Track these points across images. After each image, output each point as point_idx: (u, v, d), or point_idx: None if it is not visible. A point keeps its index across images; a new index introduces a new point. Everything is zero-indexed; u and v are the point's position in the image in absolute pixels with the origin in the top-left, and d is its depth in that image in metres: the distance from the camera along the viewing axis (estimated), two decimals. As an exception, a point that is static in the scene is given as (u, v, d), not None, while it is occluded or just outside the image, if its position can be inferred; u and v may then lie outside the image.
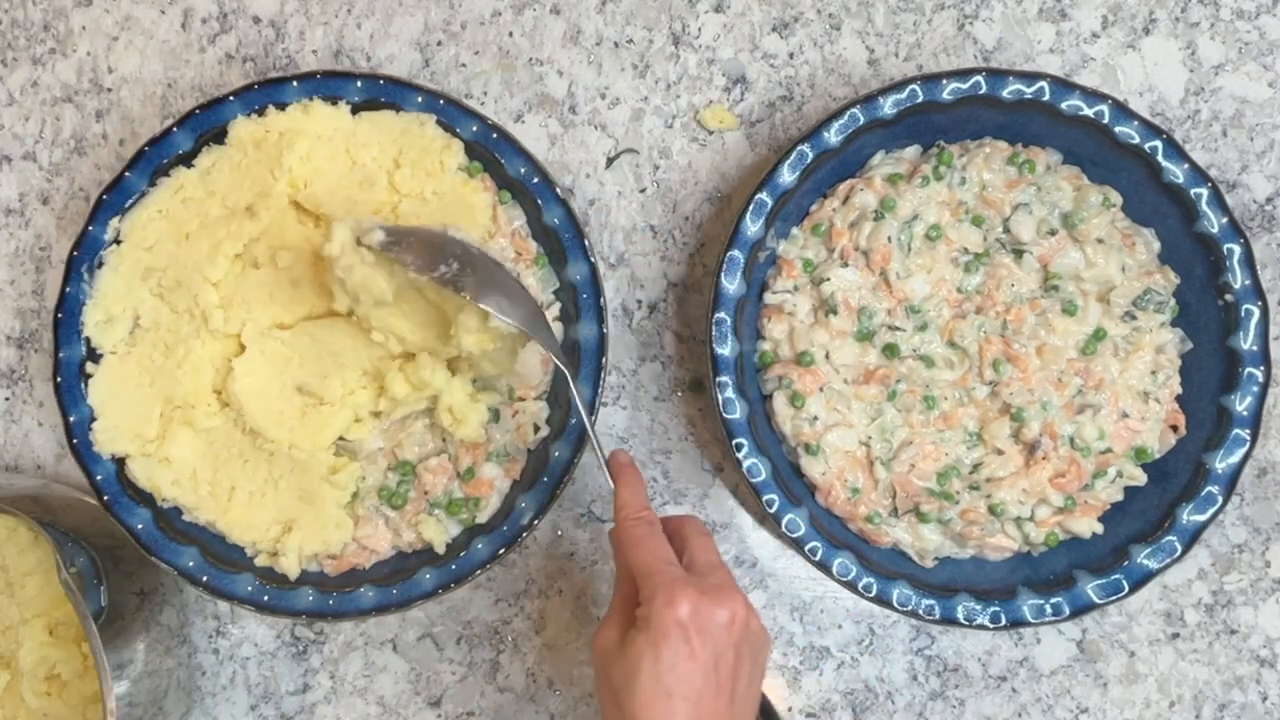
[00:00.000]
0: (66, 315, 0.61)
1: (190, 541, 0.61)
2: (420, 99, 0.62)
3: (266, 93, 0.62)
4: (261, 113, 0.62)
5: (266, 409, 0.60)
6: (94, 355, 0.61)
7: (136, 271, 0.61)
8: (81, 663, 0.60)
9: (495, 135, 0.62)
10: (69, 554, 0.59)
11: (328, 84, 0.62)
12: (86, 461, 0.60)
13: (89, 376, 0.61)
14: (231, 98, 0.62)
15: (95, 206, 0.61)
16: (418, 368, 0.59)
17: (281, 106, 0.62)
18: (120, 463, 0.61)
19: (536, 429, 0.63)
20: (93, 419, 0.61)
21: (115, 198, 0.61)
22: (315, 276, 0.61)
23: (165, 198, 0.62)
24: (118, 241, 0.62)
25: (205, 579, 0.60)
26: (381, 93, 0.62)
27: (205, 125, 0.62)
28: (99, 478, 0.60)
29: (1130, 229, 0.61)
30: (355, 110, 0.63)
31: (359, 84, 0.62)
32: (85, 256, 0.61)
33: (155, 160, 0.62)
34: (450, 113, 0.62)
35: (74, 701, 0.60)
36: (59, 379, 0.60)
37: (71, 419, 0.60)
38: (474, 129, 0.62)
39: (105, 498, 0.60)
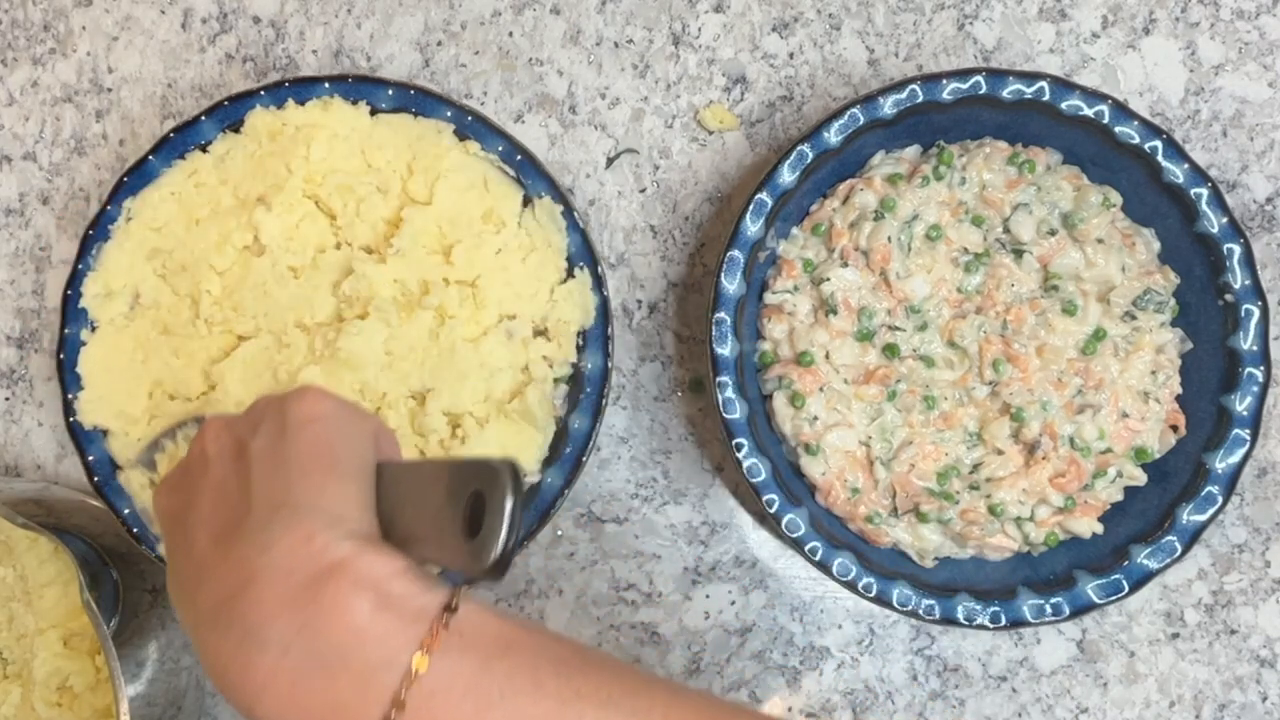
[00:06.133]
0: (74, 294, 0.61)
1: None
2: (449, 113, 0.62)
3: (296, 91, 0.62)
4: (280, 105, 0.62)
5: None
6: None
7: (142, 250, 0.62)
8: (94, 675, 0.60)
9: (520, 157, 0.62)
10: (95, 571, 0.60)
11: (359, 89, 0.62)
12: (81, 441, 0.60)
13: (84, 344, 0.61)
14: (262, 92, 0.62)
15: (115, 188, 0.61)
16: (425, 414, 0.59)
17: (302, 102, 0.62)
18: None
19: (524, 474, 0.62)
20: (80, 388, 0.61)
21: (136, 180, 0.62)
22: (322, 276, 0.61)
23: (178, 180, 0.62)
24: (128, 220, 0.62)
25: None
26: (412, 103, 0.62)
27: (233, 117, 0.62)
28: (91, 458, 0.61)
29: (1130, 229, 0.61)
30: (374, 112, 0.63)
31: (390, 91, 0.62)
32: (99, 236, 0.62)
33: (180, 147, 0.62)
34: (479, 130, 0.62)
35: (84, 714, 0.60)
36: (62, 355, 0.61)
37: (70, 396, 0.60)
38: (500, 148, 0.62)
39: (96, 479, 0.60)
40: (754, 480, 0.60)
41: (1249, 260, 0.59)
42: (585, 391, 0.62)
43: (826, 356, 0.61)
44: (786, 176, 0.60)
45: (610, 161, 0.68)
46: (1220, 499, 0.59)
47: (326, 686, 0.34)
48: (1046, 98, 0.59)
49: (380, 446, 0.42)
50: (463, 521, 0.37)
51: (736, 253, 0.60)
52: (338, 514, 0.37)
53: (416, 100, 0.63)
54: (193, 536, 0.39)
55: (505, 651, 0.36)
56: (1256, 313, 0.59)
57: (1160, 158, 0.59)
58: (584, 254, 0.62)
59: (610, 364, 0.62)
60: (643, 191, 0.68)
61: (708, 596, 0.66)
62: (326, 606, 0.35)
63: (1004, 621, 0.59)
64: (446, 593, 0.37)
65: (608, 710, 0.35)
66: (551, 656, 0.36)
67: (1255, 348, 0.59)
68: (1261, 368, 0.59)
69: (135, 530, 0.60)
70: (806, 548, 0.60)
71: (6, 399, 0.69)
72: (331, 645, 0.34)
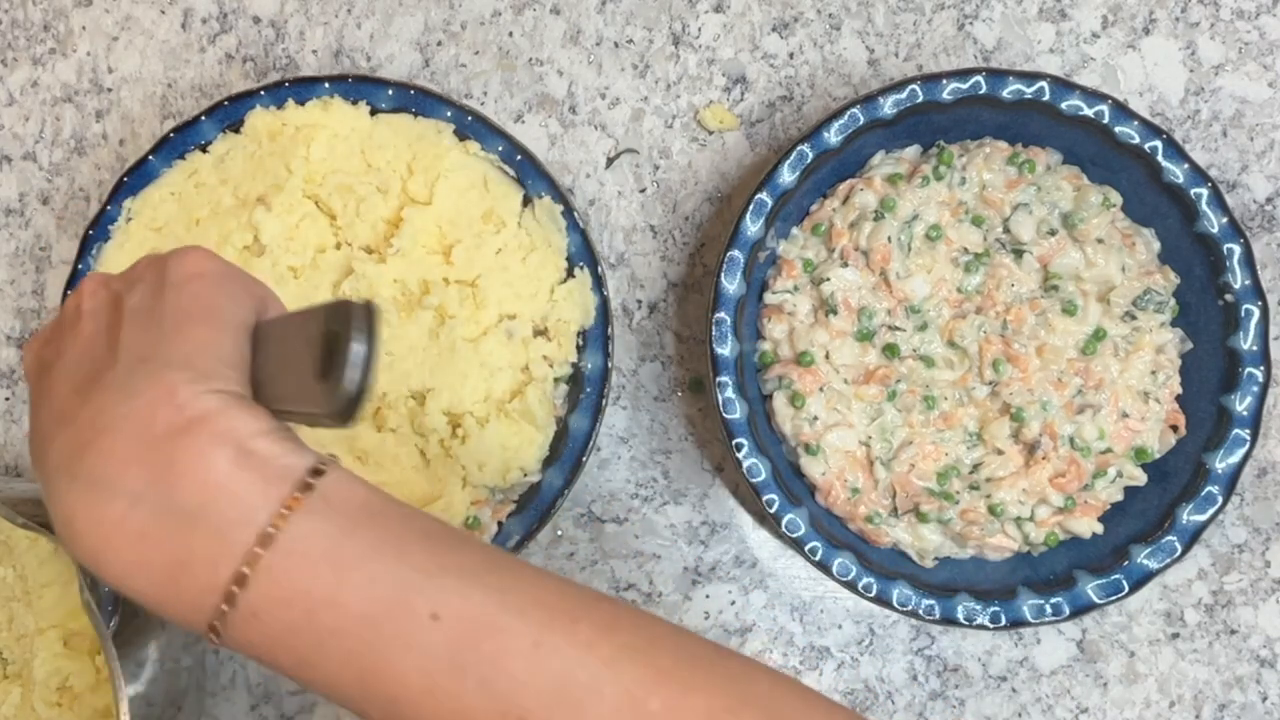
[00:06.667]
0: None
1: None
2: (449, 113, 0.62)
3: (296, 91, 0.62)
4: (280, 105, 0.62)
5: None
6: None
7: (142, 250, 0.62)
8: (94, 675, 0.60)
9: (520, 157, 0.62)
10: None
11: (359, 89, 0.62)
12: None
13: None
14: (262, 92, 0.62)
15: (115, 188, 0.62)
16: (425, 414, 0.59)
17: (302, 102, 0.62)
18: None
19: (524, 473, 0.62)
20: None
21: (136, 180, 0.62)
22: (322, 276, 0.61)
23: (178, 180, 0.62)
24: (128, 220, 0.62)
25: None
26: (412, 103, 0.62)
27: (233, 117, 0.63)
28: None
29: (1130, 229, 0.61)
30: (374, 112, 0.63)
31: (390, 91, 0.62)
32: (99, 236, 0.62)
33: (180, 147, 0.62)
34: (479, 130, 0.62)
35: (85, 714, 0.60)
36: None
37: None
38: (500, 148, 0.62)
39: None
40: (754, 480, 0.60)
41: (1249, 260, 0.59)
42: (585, 391, 0.62)
43: (826, 356, 0.61)
44: (786, 176, 0.60)
45: (610, 161, 0.68)
46: (1220, 499, 0.59)
47: (176, 541, 0.33)
48: (1046, 98, 0.59)
49: (267, 311, 0.40)
50: (316, 365, 0.35)
51: (736, 253, 0.60)
52: (205, 370, 0.35)
53: (416, 100, 0.63)
54: (55, 388, 0.37)
55: (370, 519, 0.35)
56: (1256, 313, 0.59)
57: (1160, 158, 0.59)
58: (584, 254, 0.62)
59: (610, 364, 0.62)
60: (643, 191, 0.68)
61: (708, 596, 0.66)
62: (182, 459, 0.33)
63: (1004, 621, 0.59)
64: (314, 457, 0.35)
65: (470, 583, 0.34)
66: (418, 529, 0.35)
67: (1255, 348, 0.59)
68: (1261, 368, 0.59)
69: None
70: (806, 548, 0.60)
71: (6, 399, 0.69)
72: (185, 499, 0.33)
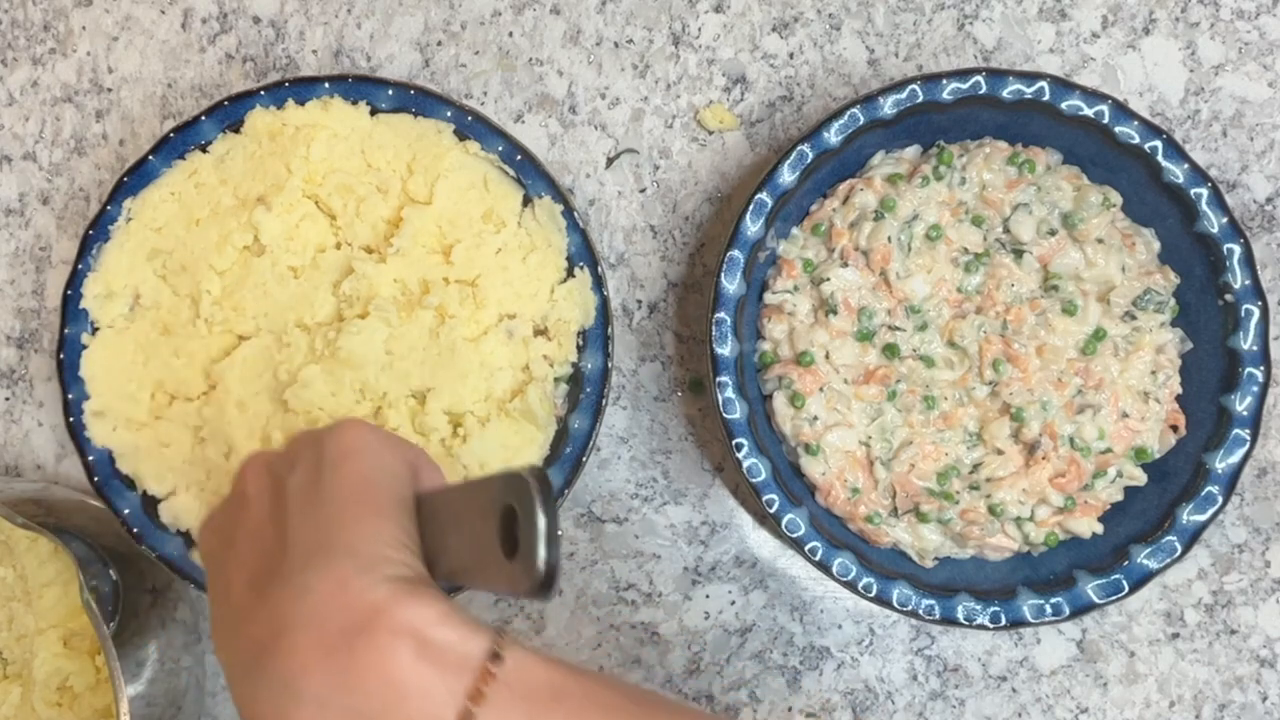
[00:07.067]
0: (75, 294, 0.61)
1: (177, 530, 0.61)
2: (449, 113, 0.62)
3: (296, 91, 0.62)
4: (280, 105, 0.62)
5: (243, 417, 0.60)
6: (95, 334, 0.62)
7: (142, 250, 0.62)
8: (94, 675, 0.60)
9: (520, 157, 0.62)
10: (95, 571, 0.60)
11: (359, 89, 0.62)
12: (81, 441, 0.60)
13: (85, 347, 0.61)
14: (262, 92, 0.62)
15: (115, 188, 0.62)
16: (426, 413, 0.59)
17: (302, 102, 0.62)
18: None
19: None
20: (86, 397, 0.61)
21: (136, 180, 0.62)
22: (322, 275, 0.61)
23: (178, 180, 0.62)
24: (128, 220, 0.62)
25: (187, 569, 0.60)
26: (412, 103, 0.62)
27: (233, 117, 0.63)
28: (91, 458, 0.61)
29: (1130, 229, 0.61)
30: (374, 112, 0.63)
31: (390, 91, 0.62)
32: (99, 236, 0.62)
33: (180, 147, 0.62)
34: (479, 130, 0.62)
35: (85, 714, 0.60)
36: (62, 355, 0.61)
37: (70, 396, 0.61)
38: (500, 148, 0.62)
39: (96, 479, 0.60)
40: (754, 480, 0.60)
41: (1249, 260, 0.59)
42: (585, 391, 0.62)
43: (826, 356, 0.61)
44: (786, 176, 0.60)
45: (610, 161, 0.68)
46: (1220, 499, 0.59)
47: None
48: (1046, 98, 0.59)
49: (421, 477, 0.41)
50: (500, 541, 0.36)
51: (736, 253, 0.60)
52: (375, 555, 0.36)
53: (416, 100, 0.63)
54: (230, 580, 0.38)
55: (555, 701, 0.35)
56: (1256, 313, 0.59)
57: (1160, 158, 0.59)
58: (584, 254, 0.62)
59: (610, 364, 0.62)
60: (643, 191, 0.68)
61: (708, 596, 0.66)
62: (364, 658, 0.33)
63: (1004, 621, 0.59)
64: (491, 638, 0.35)
65: None
66: (601, 703, 0.35)
67: (1255, 348, 0.59)
68: (1261, 368, 0.59)
69: (135, 530, 0.60)
70: (806, 548, 0.60)
71: (6, 399, 0.69)
72: (371, 700, 0.33)
